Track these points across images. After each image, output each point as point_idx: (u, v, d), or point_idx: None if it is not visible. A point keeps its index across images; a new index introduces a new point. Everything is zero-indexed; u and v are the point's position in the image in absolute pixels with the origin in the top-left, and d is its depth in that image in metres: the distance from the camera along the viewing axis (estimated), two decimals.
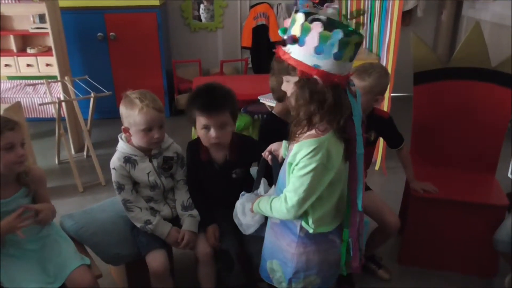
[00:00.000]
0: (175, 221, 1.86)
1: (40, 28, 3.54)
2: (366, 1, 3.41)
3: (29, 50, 3.59)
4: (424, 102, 2.29)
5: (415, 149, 2.32)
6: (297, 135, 1.29)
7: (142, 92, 1.73)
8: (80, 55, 4.06)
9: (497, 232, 1.97)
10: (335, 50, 1.14)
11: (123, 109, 1.73)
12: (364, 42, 3.49)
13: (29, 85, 3.75)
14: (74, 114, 3.37)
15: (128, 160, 1.76)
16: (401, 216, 2.19)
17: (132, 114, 1.69)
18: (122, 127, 1.76)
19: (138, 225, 1.77)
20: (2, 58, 3.58)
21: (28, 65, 3.59)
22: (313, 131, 1.26)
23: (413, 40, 2.23)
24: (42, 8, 3.21)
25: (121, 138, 1.80)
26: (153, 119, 1.68)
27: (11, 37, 3.59)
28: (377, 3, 3.18)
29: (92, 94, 3.08)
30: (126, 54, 4.12)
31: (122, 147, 1.78)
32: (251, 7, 4.58)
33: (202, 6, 4.67)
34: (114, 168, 1.76)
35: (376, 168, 3.24)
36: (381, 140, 2.25)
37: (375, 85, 1.92)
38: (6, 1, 3.39)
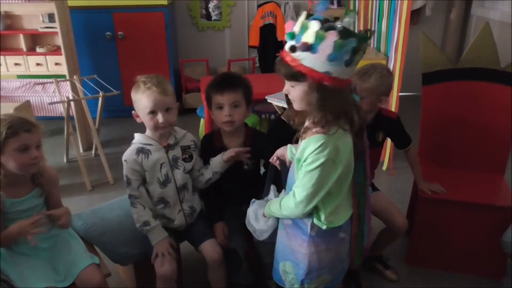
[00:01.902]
0: (186, 232, 1.85)
1: (49, 27, 3.56)
2: (374, 0, 3.39)
3: (38, 49, 3.61)
4: (433, 103, 2.28)
5: (423, 149, 2.31)
6: (305, 133, 1.31)
7: (149, 76, 1.71)
8: (89, 54, 4.08)
9: (505, 234, 1.96)
10: (347, 57, 1.16)
11: (132, 94, 1.72)
12: (372, 42, 3.48)
13: (38, 84, 3.78)
14: (82, 113, 3.40)
15: (141, 150, 1.73)
16: (409, 217, 2.18)
17: (138, 98, 1.68)
18: (133, 111, 1.74)
19: (137, 225, 1.75)
20: (12, 57, 3.61)
21: (38, 64, 3.61)
22: (320, 128, 1.28)
23: (422, 40, 2.21)
24: (51, 8, 3.24)
25: (137, 133, 1.79)
26: (157, 102, 1.65)
27: (21, 36, 3.62)
28: (386, 2, 3.16)
29: (100, 93, 3.10)
30: (134, 53, 4.14)
31: (137, 139, 1.76)
32: (259, 6, 4.58)
33: (211, 4, 4.67)
34: (125, 160, 1.74)
35: (384, 168, 3.23)
36: (388, 140, 2.25)
37: (378, 85, 1.91)
38: (16, 1, 3.42)
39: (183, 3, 4.63)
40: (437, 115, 2.29)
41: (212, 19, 4.73)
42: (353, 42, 1.14)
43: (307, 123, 1.33)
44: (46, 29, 3.59)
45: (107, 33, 4.04)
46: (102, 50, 4.10)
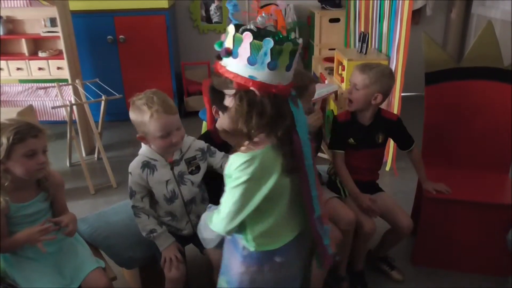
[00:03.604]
0: (192, 236, 1.82)
1: (51, 31, 3.57)
2: (375, 1, 3.39)
3: (40, 54, 3.62)
4: (436, 102, 2.28)
5: (427, 149, 2.31)
6: (236, 147, 1.23)
7: (148, 96, 1.61)
8: (90, 58, 4.09)
9: (511, 232, 1.96)
10: (268, 59, 1.11)
11: (133, 117, 1.64)
12: (373, 42, 3.48)
13: (40, 88, 3.79)
14: (85, 116, 3.40)
15: (147, 165, 1.68)
16: (414, 217, 2.18)
17: (143, 122, 1.60)
18: (137, 135, 1.67)
19: (144, 234, 1.73)
20: (14, 61, 3.62)
21: (40, 69, 3.63)
22: (249, 144, 1.20)
23: (424, 40, 2.21)
24: (53, 12, 3.25)
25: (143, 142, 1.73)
26: (168, 124, 1.59)
27: (23, 40, 3.63)
28: (387, 3, 3.16)
29: (103, 97, 3.10)
30: (135, 56, 4.15)
31: (143, 150, 1.71)
32: (261, 7, 4.58)
33: (213, 6, 4.67)
34: (130, 173, 1.70)
35: (387, 168, 3.23)
36: (391, 140, 2.25)
37: (375, 81, 1.91)
38: (18, 6, 3.43)
39: (183, 6, 4.64)
40: (440, 114, 2.28)
41: (213, 21, 4.74)
42: (270, 42, 1.08)
43: (235, 137, 1.25)
44: (48, 33, 3.60)
45: (109, 36, 4.05)
46: (103, 54, 4.11)
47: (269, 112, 1.16)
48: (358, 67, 1.97)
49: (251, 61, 1.12)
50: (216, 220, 1.30)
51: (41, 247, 1.47)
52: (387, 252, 2.21)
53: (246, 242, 1.30)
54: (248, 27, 1.13)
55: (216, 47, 1.16)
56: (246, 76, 1.14)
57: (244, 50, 1.11)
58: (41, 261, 1.57)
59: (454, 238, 2.16)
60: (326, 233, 1.36)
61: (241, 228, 1.29)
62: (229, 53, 1.14)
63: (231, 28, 1.14)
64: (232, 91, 1.19)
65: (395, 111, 3.01)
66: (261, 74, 1.13)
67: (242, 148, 1.20)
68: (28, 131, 1.46)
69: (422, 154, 2.17)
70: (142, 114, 1.59)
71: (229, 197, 1.23)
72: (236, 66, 1.14)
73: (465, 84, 2.22)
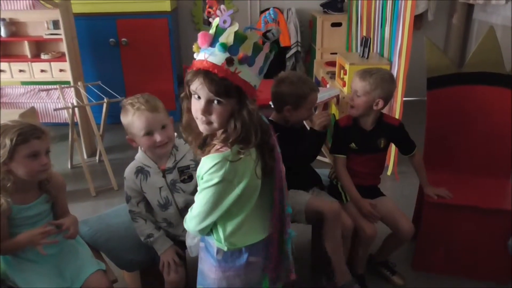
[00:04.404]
0: None
1: (54, 34, 3.58)
2: (377, 6, 3.40)
3: (43, 56, 3.63)
4: (437, 107, 2.28)
5: (428, 154, 2.31)
6: (206, 150, 1.21)
7: (135, 96, 1.64)
8: (93, 61, 4.10)
9: None
10: (265, 68, 1.14)
11: (122, 119, 1.65)
12: (375, 47, 3.48)
13: (42, 90, 3.80)
14: (86, 119, 3.41)
15: (140, 170, 1.69)
16: (415, 222, 2.17)
17: (129, 122, 1.61)
18: (126, 137, 1.68)
19: (142, 238, 1.74)
20: (16, 63, 3.63)
21: (42, 71, 3.63)
22: (219, 145, 1.18)
23: (426, 45, 2.22)
24: (56, 15, 3.26)
25: (140, 148, 1.74)
26: (150, 121, 1.58)
27: (26, 43, 3.64)
28: (389, 7, 3.17)
29: (105, 100, 3.11)
30: (137, 59, 4.16)
31: (138, 155, 1.73)
32: (261, 12, 4.60)
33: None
34: (125, 177, 1.72)
35: (388, 173, 3.22)
36: (392, 145, 2.25)
37: (375, 86, 1.91)
38: (21, 8, 3.44)
39: (186, 9, 4.66)
40: (442, 119, 2.29)
41: None
42: (273, 54, 1.13)
43: (214, 139, 1.22)
44: (50, 35, 3.61)
45: (111, 39, 4.07)
46: (106, 57, 4.12)
47: (256, 117, 1.17)
48: (358, 73, 1.97)
49: (261, 71, 1.13)
50: (188, 219, 1.31)
51: (41, 250, 1.48)
52: (388, 256, 2.21)
53: (219, 243, 1.30)
54: (267, 36, 1.14)
55: (220, 51, 1.09)
56: (253, 85, 1.14)
57: (260, 59, 1.12)
58: (41, 263, 1.57)
59: (455, 243, 2.15)
60: (290, 236, 1.36)
61: (213, 228, 1.30)
62: (246, 59, 1.11)
63: (253, 35, 1.11)
64: (227, 100, 1.14)
65: (397, 116, 3.01)
66: (257, 81, 1.15)
67: (213, 150, 1.19)
68: (32, 132, 1.46)
69: (423, 158, 2.17)
70: (127, 114, 1.62)
71: (201, 198, 1.23)
72: (249, 74, 1.13)
73: (467, 89, 2.22)
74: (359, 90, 1.94)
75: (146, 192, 1.71)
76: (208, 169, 1.17)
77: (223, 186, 1.19)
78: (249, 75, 1.12)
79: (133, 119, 1.60)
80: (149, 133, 1.60)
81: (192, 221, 1.29)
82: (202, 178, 1.21)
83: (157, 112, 1.60)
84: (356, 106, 1.97)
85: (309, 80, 1.97)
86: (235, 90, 1.12)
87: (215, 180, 1.17)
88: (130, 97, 1.66)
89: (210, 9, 1.20)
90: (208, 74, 1.11)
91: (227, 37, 1.10)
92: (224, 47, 1.09)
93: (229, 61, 1.09)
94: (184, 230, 1.75)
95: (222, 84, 1.11)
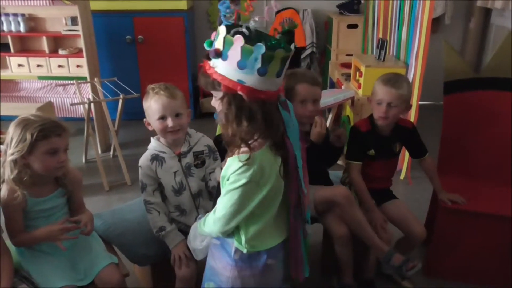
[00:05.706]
0: None
1: (72, 30, 3.62)
2: (394, 8, 3.38)
3: (60, 51, 3.68)
4: (454, 112, 2.26)
5: (443, 159, 2.29)
6: (233, 150, 1.21)
7: (158, 84, 1.73)
8: (109, 57, 4.14)
9: None
10: (258, 65, 1.08)
11: (144, 104, 1.74)
12: (391, 49, 3.46)
13: (59, 85, 3.85)
14: (102, 114, 3.45)
15: (156, 157, 1.75)
16: (428, 226, 2.15)
17: (148, 105, 1.71)
18: (144, 119, 1.76)
19: (154, 230, 1.76)
20: (34, 58, 3.69)
21: (59, 66, 3.69)
22: (246, 147, 1.17)
23: (445, 49, 2.20)
24: (74, 11, 3.30)
25: (153, 138, 1.80)
26: (164, 106, 1.66)
27: (44, 38, 3.70)
28: (406, 10, 3.15)
29: (121, 96, 3.14)
30: (153, 57, 4.19)
31: (152, 145, 1.78)
32: (277, 12, 4.58)
33: None
34: (140, 166, 1.76)
35: (401, 177, 3.20)
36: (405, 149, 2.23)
37: (408, 93, 1.93)
38: (40, 4, 3.50)
39: (202, 8, 4.67)
40: (458, 124, 2.26)
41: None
42: (261, 48, 1.06)
43: (229, 142, 1.23)
44: (68, 31, 3.65)
45: (127, 36, 4.11)
46: (122, 53, 4.16)
47: (259, 118, 1.15)
48: (389, 83, 1.88)
49: (241, 65, 1.09)
50: (211, 221, 1.30)
51: (61, 245, 1.50)
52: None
53: (240, 244, 1.29)
54: (240, 30, 1.10)
55: (206, 46, 1.16)
56: (235, 80, 1.12)
57: (235, 53, 1.09)
58: (55, 255, 1.59)
59: (469, 250, 2.13)
60: (308, 238, 1.37)
61: (234, 230, 1.29)
62: (218, 54, 1.12)
63: (222, 29, 1.12)
64: (220, 94, 1.17)
65: (412, 120, 2.98)
66: (251, 79, 1.11)
67: (240, 150, 1.19)
68: (53, 129, 1.47)
69: (438, 163, 2.15)
70: (147, 98, 1.71)
71: (227, 199, 1.22)
72: (225, 69, 1.12)
73: (485, 94, 2.19)
74: (395, 100, 1.87)
75: (161, 177, 1.75)
76: (236, 170, 1.17)
77: (250, 187, 1.18)
78: (226, 69, 1.12)
79: (151, 102, 1.68)
80: (163, 117, 1.68)
81: (216, 224, 1.27)
82: (228, 179, 1.21)
83: (174, 99, 1.68)
84: (392, 116, 1.92)
85: (302, 73, 1.89)
86: (217, 84, 1.15)
87: (243, 181, 1.17)
88: (154, 84, 1.74)
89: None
90: (200, 68, 1.20)
91: (214, 34, 1.16)
92: (209, 44, 1.16)
93: (206, 56, 1.15)
94: (197, 219, 1.78)
95: (204, 77, 1.18)
